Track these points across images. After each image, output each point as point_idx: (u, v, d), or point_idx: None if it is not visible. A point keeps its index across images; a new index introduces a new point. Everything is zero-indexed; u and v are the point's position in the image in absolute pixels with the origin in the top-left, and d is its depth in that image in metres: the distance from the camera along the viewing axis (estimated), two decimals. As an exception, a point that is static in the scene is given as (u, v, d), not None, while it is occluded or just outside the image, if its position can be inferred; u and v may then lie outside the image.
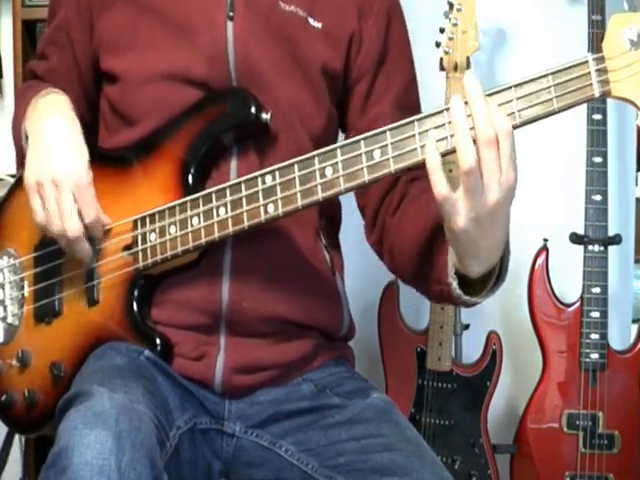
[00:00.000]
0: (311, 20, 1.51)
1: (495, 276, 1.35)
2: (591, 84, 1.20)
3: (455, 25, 2.12)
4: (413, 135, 1.26)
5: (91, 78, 1.59)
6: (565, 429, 2.17)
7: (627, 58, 1.19)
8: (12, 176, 1.68)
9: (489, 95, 1.23)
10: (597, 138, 2.17)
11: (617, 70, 1.19)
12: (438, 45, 2.14)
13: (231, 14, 1.47)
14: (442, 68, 2.14)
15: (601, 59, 1.20)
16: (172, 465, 1.31)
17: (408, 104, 1.56)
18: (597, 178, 2.17)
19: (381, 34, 1.56)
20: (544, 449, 2.18)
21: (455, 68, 2.12)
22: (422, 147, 1.25)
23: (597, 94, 1.20)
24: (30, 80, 1.68)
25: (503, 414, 2.37)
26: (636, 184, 2.48)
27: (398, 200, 1.53)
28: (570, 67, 1.21)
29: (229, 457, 1.48)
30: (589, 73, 1.20)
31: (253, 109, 1.43)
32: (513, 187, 1.21)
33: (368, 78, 1.56)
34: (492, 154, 1.18)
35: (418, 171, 1.40)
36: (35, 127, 1.49)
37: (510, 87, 1.23)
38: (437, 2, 2.17)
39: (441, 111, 1.25)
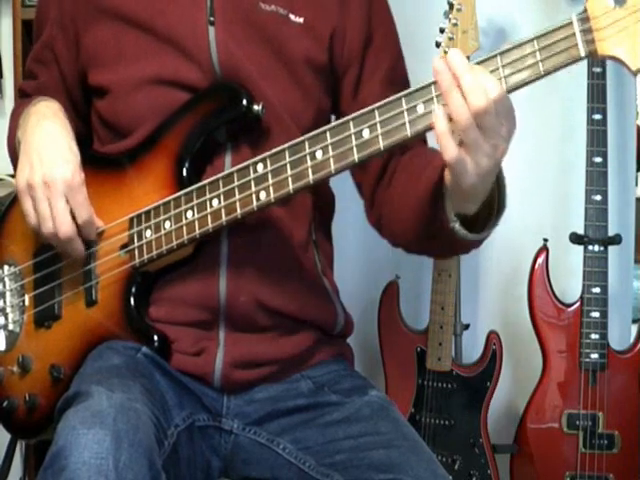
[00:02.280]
0: (292, 16, 1.51)
1: (493, 207, 1.35)
2: (576, 44, 1.19)
3: (455, 25, 2.12)
4: (401, 112, 1.27)
5: (79, 93, 1.60)
6: (565, 429, 2.17)
7: (611, 16, 1.18)
8: (12, 176, 1.68)
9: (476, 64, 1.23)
10: (597, 138, 2.17)
11: (602, 29, 1.18)
12: (438, 45, 2.14)
13: (212, 19, 1.48)
14: (442, 68, 2.14)
15: (586, 19, 1.19)
16: (171, 463, 1.31)
17: (397, 80, 1.57)
18: (597, 178, 2.17)
19: (365, 19, 1.57)
20: (544, 449, 2.18)
21: (455, 68, 2.12)
22: (410, 122, 1.26)
23: (583, 54, 1.19)
24: (21, 99, 1.68)
25: (503, 414, 2.37)
26: (636, 184, 2.48)
27: (390, 174, 1.54)
28: (555, 29, 1.20)
29: (227, 454, 1.48)
30: (574, 34, 1.19)
31: (244, 102, 1.43)
32: (514, 132, 1.24)
33: (356, 65, 1.57)
34: (490, 119, 1.20)
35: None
36: (26, 132, 1.49)
37: (495, 55, 1.23)
38: (437, 2, 2.17)
39: (428, 85, 1.25)
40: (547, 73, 1.21)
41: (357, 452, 1.37)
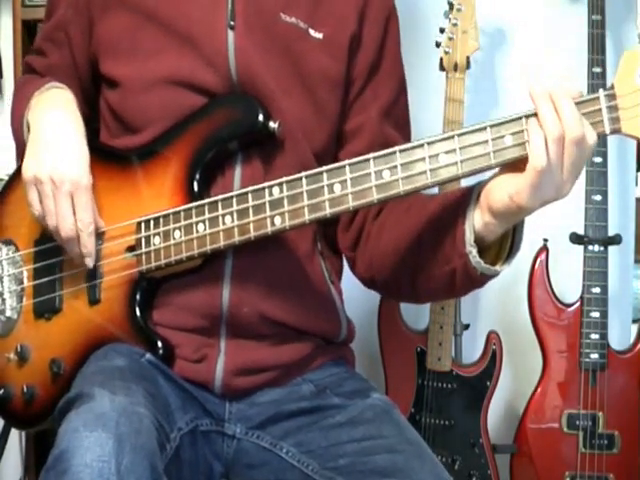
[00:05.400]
0: (312, 31, 1.50)
1: (509, 241, 1.34)
2: (602, 120, 1.21)
3: (455, 25, 2.12)
4: (423, 158, 1.27)
5: (89, 77, 1.58)
6: (565, 429, 2.17)
7: (638, 96, 1.19)
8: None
9: (495, 125, 1.25)
10: (597, 138, 2.16)
11: (628, 108, 1.20)
12: (438, 45, 2.14)
13: (232, 23, 1.46)
14: (442, 68, 2.14)
15: (612, 96, 1.21)
16: (173, 467, 1.31)
17: (395, 114, 1.57)
18: (597, 178, 2.17)
19: (377, 42, 1.56)
20: (544, 449, 2.18)
21: (455, 68, 2.12)
22: (431, 171, 1.26)
23: (608, 131, 1.22)
24: (28, 74, 1.67)
25: (503, 414, 2.37)
26: (636, 184, 2.48)
27: (379, 206, 1.51)
28: (581, 102, 1.22)
29: (230, 459, 1.48)
30: (600, 110, 1.21)
31: (261, 117, 1.42)
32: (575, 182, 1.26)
33: (358, 84, 1.56)
34: (574, 148, 1.21)
35: None
36: (38, 120, 1.48)
37: (520, 117, 1.24)
38: (437, 2, 2.17)
39: (452, 136, 1.26)
40: None
41: (361, 456, 1.37)
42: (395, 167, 1.28)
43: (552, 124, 1.20)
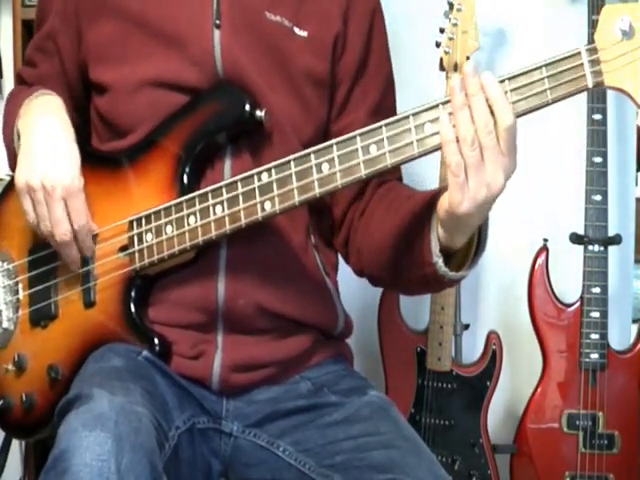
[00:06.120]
0: (297, 29, 1.51)
1: (475, 243, 1.35)
2: (584, 75, 1.21)
3: (455, 25, 2.12)
4: (409, 129, 1.27)
5: (79, 85, 1.59)
6: (565, 429, 2.17)
7: (619, 48, 1.20)
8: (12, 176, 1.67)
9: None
10: (597, 138, 2.16)
11: (610, 60, 1.20)
12: (438, 45, 2.14)
13: (217, 22, 1.47)
14: (442, 68, 2.14)
15: (594, 50, 1.21)
16: (171, 466, 1.31)
17: (383, 110, 1.56)
18: (597, 178, 2.17)
19: (363, 40, 1.57)
20: (544, 449, 2.18)
21: (455, 68, 2.12)
22: (418, 141, 1.26)
23: (590, 85, 1.21)
24: (19, 85, 1.68)
25: (503, 414, 2.37)
26: (636, 184, 2.48)
27: (366, 202, 1.54)
28: (563, 58, 1.22)
29: (227, 457, 1.48)
30: (582, 64, 1.21)
31: (247, 107, 1.43)
32: (513, 171, 1.24)
33: (347, 84, 1.57)
34: (492, 141, 1.21)
35: (387, 175, 1.48)
36: (28, 127, 1.49)
37: (503, 80, 1.24)
38: (437, 2, 2.17)
39: (436, 105, 1.26)
40: (554, 101, 1.23)
41: (357, 453, 1.37)
42: (382, 140, 1.28)
43: (464, 127, 1.22)
